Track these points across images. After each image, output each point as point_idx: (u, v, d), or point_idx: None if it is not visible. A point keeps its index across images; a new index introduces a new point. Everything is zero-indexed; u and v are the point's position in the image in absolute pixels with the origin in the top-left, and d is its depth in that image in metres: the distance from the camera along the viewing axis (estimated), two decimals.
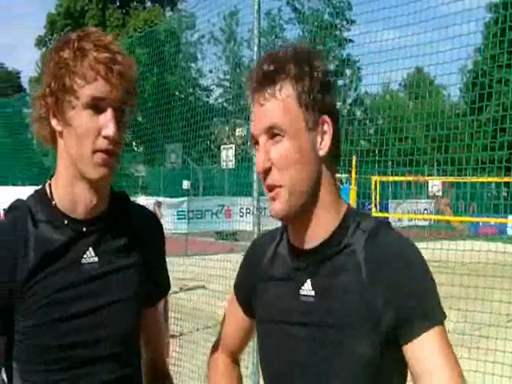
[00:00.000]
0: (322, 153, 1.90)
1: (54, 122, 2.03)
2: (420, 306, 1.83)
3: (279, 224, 2.14)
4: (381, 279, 1.84)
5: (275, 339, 2.03)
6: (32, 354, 2.06)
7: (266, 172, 1.87)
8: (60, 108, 1.99)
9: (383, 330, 1.83)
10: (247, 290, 2.19)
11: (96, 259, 2.10)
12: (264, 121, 1.87)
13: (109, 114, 1.97)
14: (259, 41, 6.32)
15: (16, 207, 2.12)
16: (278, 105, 1.85)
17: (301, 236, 1.97)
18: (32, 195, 2.16)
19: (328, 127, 1.90)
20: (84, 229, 2.10)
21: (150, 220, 2.38)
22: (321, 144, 1.90)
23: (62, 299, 2.04)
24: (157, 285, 2.35)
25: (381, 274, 1.84)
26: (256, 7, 6.26)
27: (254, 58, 6.33)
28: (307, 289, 1.94)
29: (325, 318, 1.89)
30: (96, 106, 1.96)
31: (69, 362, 2.06)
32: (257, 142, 1.90)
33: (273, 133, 1.86)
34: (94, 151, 1.97)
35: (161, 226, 2.43)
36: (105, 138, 1.96)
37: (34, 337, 2.04)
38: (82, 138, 1.97)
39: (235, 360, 2.38)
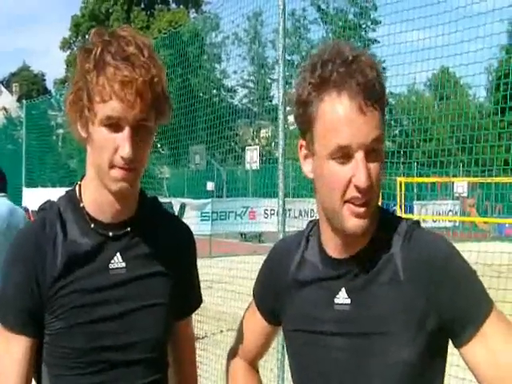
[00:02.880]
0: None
1: (79, 129, 2.03)
2: (466, 305, 1.79)
3: (301, 226, 2.10)
4: (420, 281, 1.79)
5: (308, 350, 1.97)
6: (61, 358, 2.06)
7: (368, 188, 1.74)
8: (82, 118, 1.98)
9: (427, 333, 1.79)
10: (270, 297, 2.12)
11: (124, 265, 2.09)
12: (370, 133, 1.71)
13: (125, 133, 1.92)
14: (284, 41, 6.29)
15: (46, 208, 2.14)
16: (378, 114, 1.74)
17: (342, 245, 1.91)
18: (63, 196, 2.17)
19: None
20: (111, 233, 2.09)
21: (181, 231, 2.35)
22: None
23: (90, 303, 2.03)
24: (186, 297, 2.33)
25: (420, 276, 1.80)
26: (281, 7, 6.23)
27: (280, 58, 6.31)
28: (342, 297, 1.88)
29: (363, 326, 1.84)
30: (112, 124, 1.92)
31: (98, 366, 2.06)
32: (344, 155, 1.74)
33: (372, 148, 1.73)
34: (111, 166, 1.95)
35: (192, 238, 2.39)
36: (120, 157, 1.93)
37: (62, 339, 2.04)
38: (100, 152, 1.96)
39: (254, 366, 2.33)
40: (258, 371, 2.35)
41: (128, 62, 1.90)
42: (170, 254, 2.19)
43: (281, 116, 6.29)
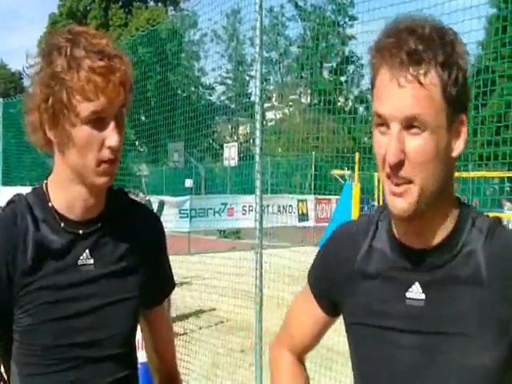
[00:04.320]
0: (454, 154, 1.70)
1: (50, 134, 1.98)
2: None
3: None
4: (500, 280, 1.68)
5: (372, 345, 1.84)
6: (31, 356, 2.04)
7: (397, 165, 1.62)
8: (57, 121, 1.94)
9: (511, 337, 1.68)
10: (331, 286, 1.99)
11: (91, 261, 2.07)
12: (404, 108, 1.61)
13: (112, 123, 1.91)
14: (261, 38, 6.30)
15: (15, 201, 2.11)
16: (423, 93, 1.60)
17: (415, 234, 1.77)
18: (31, 192, 2.14)
19: (463, 128, 1.70)
20: (81, 231, 2.07)
21: (149, 218, 2.34)
22: (455, 144, 1.69)
23: (58, 299, 2.02)
24: (160, 283, 2.34)
25: (500, 275, 1.68)
26: (258, 4, 6.24)
27: (257, 56, 6.32)
28: (416, 291, 1.75)
29: (437, 325, 1.72)
30: (96, 119, 1.90)
31: (69, 363, 2.04)
32: (383, 124, 1.65)
33: (410, 124, 1.61)
34: (99, 163, 1.94)
35: (160, 224, 2.38)
36: (108, 148, 1.92)
37: (31, 336, 2.02)
38: (85, 151, 1.93)
39: (301, 359, 2.21)
40: (304, 364, 2.24)
41: (103, 54, 1.89)
42: (141, 247, 2.19)
43: (258, 112, 6.31)
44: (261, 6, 6.26)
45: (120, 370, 2.14)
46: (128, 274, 2.14)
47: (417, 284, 1.74)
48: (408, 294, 1.75)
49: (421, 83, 1.59)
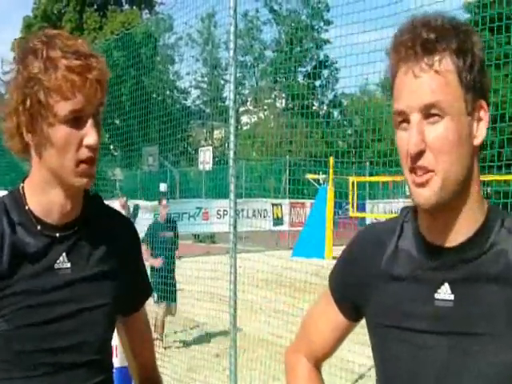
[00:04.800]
0: (476, 142, 1.67)
1: (27, 137, 1.97)
2: None
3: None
4: None
5: (399, 347, 1.80)
6: (7, 361, 2.01)
7: (418, 155, 1.61)
8: (35, 123, 1.92)
9: None
10: (354, 288, 1.95)
11: (69, 265, 2.05)
12: (422, 97, 1.60)
13: (89, 123, 1.91)
14: (235, 42, 6.30)
15: None
16: (439, 80, 1.60)
17: (441, 231, 1.73)
18: (7, 195, 2.11)
19: (484, 114, 1.67)
20: (57, 235, 2.05)
21: (124, 224, 2.33)
22: (476, 131, 1.66)
23: (36, 304, 1.99)
24: (137, 289, 2.32)
25: None
26: (233, 8, 6.25)
27: (231, 60, 6.32)
28: (445, 292, 1.71)
29: (466, 325, 1.68)
30: (75, 118, 1.89)
31: (46, 368, 2.02)
32: (404, 120, 1.64)
33: (429, 112, 1.60)
34: (78, 163, 1.92)
35: (135, 229, 2.38)
36: (87, 146, 1.91)
37: (9, 341, 1.99)
38: (64, 151, 1.92)
39: (318, 367, 2.17)
40: (320, 372, 2.19)
41: (79, 54, 1.89)
42: (121, 249, 2.18)
43: (232, 117, 6.31)
44: (235, 10, 6.26)
45: (95, 375, 2.11)
46: (106, 278, 2.12)
47: (446, 285, 1.71)
48: (437, 295, 1.72)
49: (436, 71, 1.60)
